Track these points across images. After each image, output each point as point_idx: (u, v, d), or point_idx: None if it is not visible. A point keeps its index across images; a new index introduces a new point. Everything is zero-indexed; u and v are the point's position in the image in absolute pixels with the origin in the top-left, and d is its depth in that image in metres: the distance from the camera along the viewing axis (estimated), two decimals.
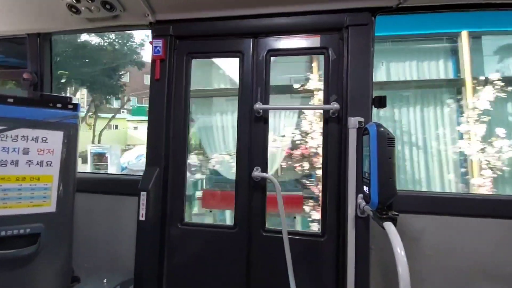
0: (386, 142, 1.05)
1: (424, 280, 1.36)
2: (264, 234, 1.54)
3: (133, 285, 1.44)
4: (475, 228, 1.34)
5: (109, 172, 6.89)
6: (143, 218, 1.52)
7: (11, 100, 1.35)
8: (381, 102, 1.45)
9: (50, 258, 1.36)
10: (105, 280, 1.31)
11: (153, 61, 1.65)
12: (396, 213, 1.03)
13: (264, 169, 1.55)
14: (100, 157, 7.47)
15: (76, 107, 1.50)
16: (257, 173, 1.52)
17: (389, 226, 0.97)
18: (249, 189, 1.56)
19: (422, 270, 1.36)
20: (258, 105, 1.54)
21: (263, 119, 1.58)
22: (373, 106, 1.44)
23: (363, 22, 1.43)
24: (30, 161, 1.31)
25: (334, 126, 1.49)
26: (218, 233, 1.60)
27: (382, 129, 1.08)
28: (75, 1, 1.59)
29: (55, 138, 1.37)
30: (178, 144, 1.66)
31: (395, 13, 1.47)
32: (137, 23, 1.72)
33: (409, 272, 0.86)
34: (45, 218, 1.33)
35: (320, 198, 1.52)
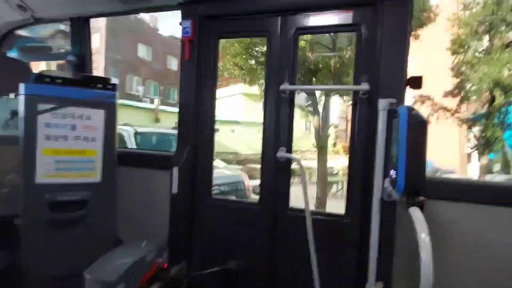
0: (417, 126, 1.01)
1: (453, 271, 1.32)
2: (288, 212, 1.59)
3: (168, 250, 1.61)
4: None
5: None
6: (175, 191, 1.66)
7: (59, 80, 1.50)
8: (416, 83, 1.37)
9: (97, 222, 1.55)
10: (143, 244, 1.48)
11: (183, 42, 1.69)
12: (423, 198, 1.00)
13: (289, 150, 1.57)
14: None
15: (114, 87, 1.62)
16: (282, 153, 1.55)
17: (414, 211, 0.95)
18: (274, 168, 1.61)
19: (452, 260, 1.32)
20: (285, 86, 1.53)
21: (289, 100, 1.58)
22: (407, 87, 1.37)
23: None
24: (77, 136, 1.46)
25: (364, 107, 1.45)
26: (243, 209, 1.69)
27: (414, 112, 1.03)
28: None
29: (98, 116, 1.50)
30: (206, 123, 1.73)
31: None
32: (167, 3, 1.76)
33: (438, 262, 0.85)
34: (92, 187, 1.50)
35: (347, 180, 1.52)
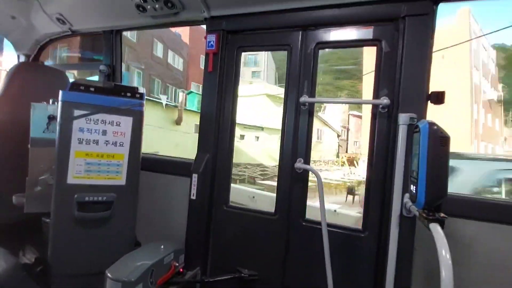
0: (439, 141, 1.00)
1: None
2: (303, 224, 1.59)
3: (184, 254, 1.64)
4: None
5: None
6: (194, 198, 1.71)
7: (93, 89, 1.61)
8: (438, 98, 1.36)
9: (119, 223, 1.62)
10: (162, 247, 1.52)
11: (207, 54, 1.78)
12: (444, 215, 0.99)
13: (307, 161, 1.59)
14: None
15: (141, 96, 1.72)
16: (299, 164, 1.57)
17: (435, 227, 0.94)
18: (291, 179, 1.62)
19: (471, 278, 1.27)
20: (304, 98, 1.56)
21: (309, 112, 1.61)
22: (428, 102, 1.36)
23: (423, 12, 1.33)
24: (107, 141, 1.56)
25: (383, 121, 1.45)
26: (259, 218, 1.70)
27: (435, 127, 1.03)
28: (142, 1, 1.79)
29: (126, 122, 1.59)
30: (226, 133, 1.79)
31: (460, 0, 1.34)
32: (194, 19, 1.86)
33: (456, 279, 0.83)
34: (117, 189, 1.58)
35: (364, 194, 1.51)
